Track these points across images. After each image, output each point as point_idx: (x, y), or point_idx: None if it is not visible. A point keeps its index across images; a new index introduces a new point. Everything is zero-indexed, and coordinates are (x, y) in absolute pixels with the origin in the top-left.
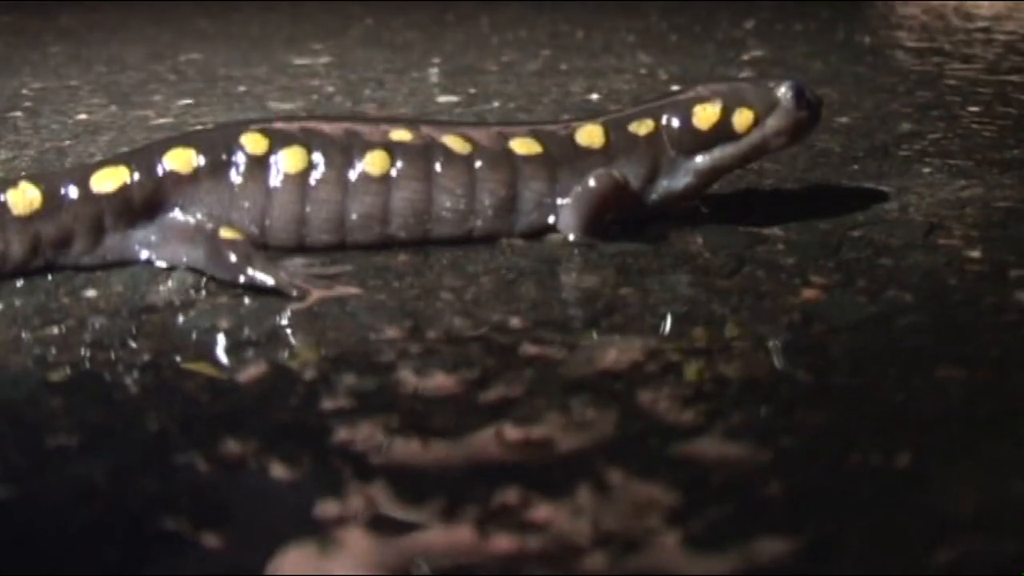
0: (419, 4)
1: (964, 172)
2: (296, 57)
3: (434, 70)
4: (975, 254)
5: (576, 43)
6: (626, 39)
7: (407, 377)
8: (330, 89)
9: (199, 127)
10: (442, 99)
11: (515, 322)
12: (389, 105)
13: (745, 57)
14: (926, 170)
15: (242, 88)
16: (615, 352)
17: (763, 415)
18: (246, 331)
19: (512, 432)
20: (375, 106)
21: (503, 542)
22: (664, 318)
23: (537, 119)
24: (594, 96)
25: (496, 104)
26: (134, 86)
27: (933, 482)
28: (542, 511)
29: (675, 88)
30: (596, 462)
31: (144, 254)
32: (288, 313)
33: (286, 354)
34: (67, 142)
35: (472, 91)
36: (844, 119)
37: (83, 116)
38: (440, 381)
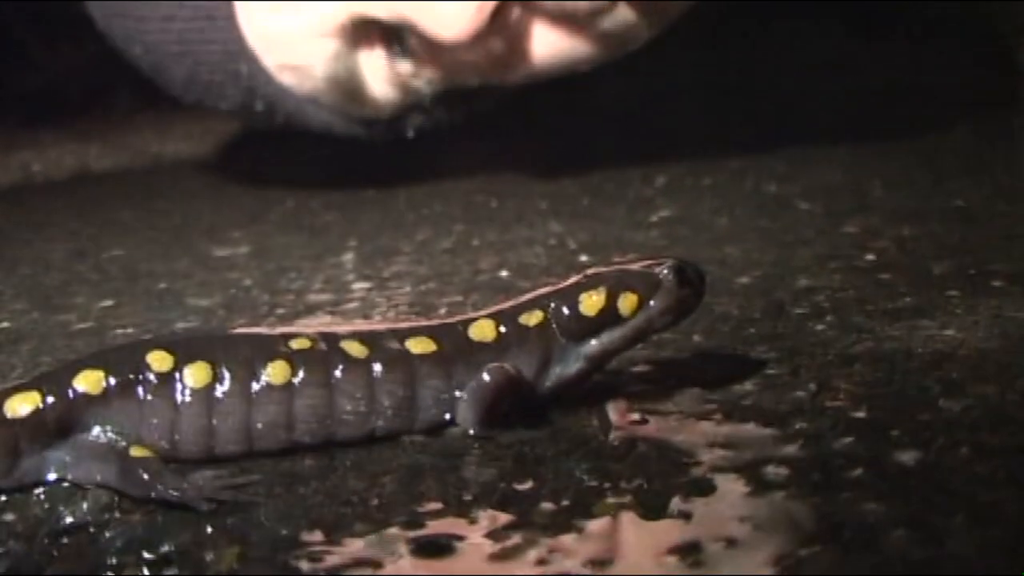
0: (339, 181)
1: (856, 326)
2: (216, 248)
3: (349, 255)
4: (860, 414)
5: (489, 214)
6: (538, 206)
7: None
8: (248, 282)
9: (119, 331)
10: (356, 285)
11: (413, 528)
12: (304, 294)
13: (654, 218)
14: (819, 327)
15: (163, 285)
16: (503, 556)
17: None
18: (160, 548)
19: None
20: (292, 297)
21: None
22: (555, 511)
23: (446, 302)
24: (503, 273)
25: (408, 288)
26: (56, 288)
27: None
28: None
29: (588, 266)
30: None
31: (59, 474)
32: (198, 528)
33: (196, 571)
34: None
35: (385, 275)
36: (744, 279)
37: (5, 324)
38: None
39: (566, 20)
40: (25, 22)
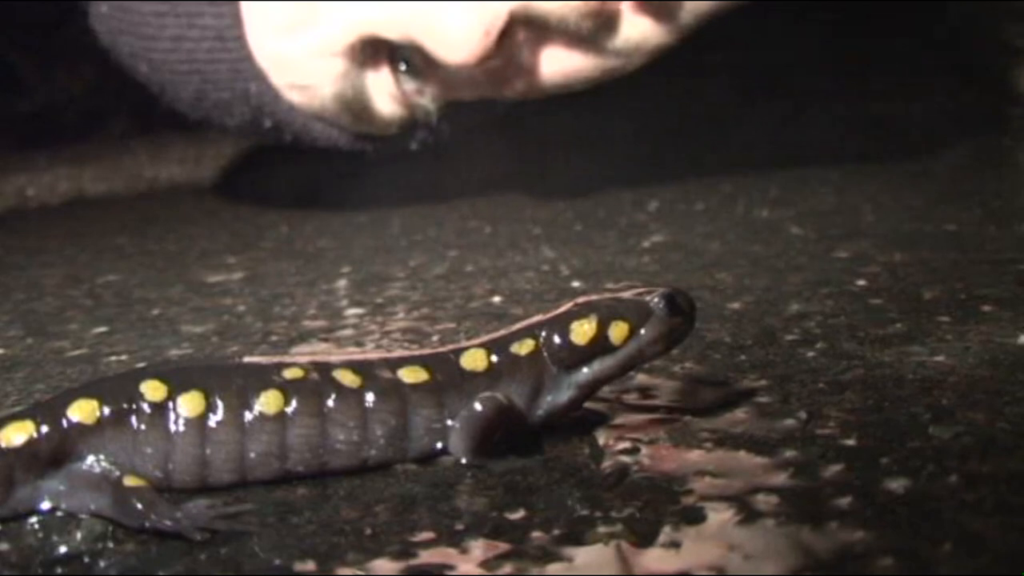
0: (332, 207)
1: (847, 353)
2: (210, 274)
3: (343, 281)
4: (850, 442)
5: (483, 240)
6: (531, 232)
7: None
8: (241, 308)
9: (112, 358)
10: (350, 312)
11: (406, 558)
12: (298, 321)
13: (646, 244)
14: (810, 354)
15: (156, 312)
16: None
17: None
18: None
19: None
20: (285, 323)
21: None
22: (547, 541)
23: (439, 328)
24: (496, 299)
25: (401, 314)
26: (50, 314)
27: None
28: None
29: (579, 294)
30: None
31: (53, 504)
32: (192, 558)
33: None
34: None
35: (379, 301)
36: (736, 304)
37: (0, 351)
38: None
39: (571, 39)
40: (19, 47)
